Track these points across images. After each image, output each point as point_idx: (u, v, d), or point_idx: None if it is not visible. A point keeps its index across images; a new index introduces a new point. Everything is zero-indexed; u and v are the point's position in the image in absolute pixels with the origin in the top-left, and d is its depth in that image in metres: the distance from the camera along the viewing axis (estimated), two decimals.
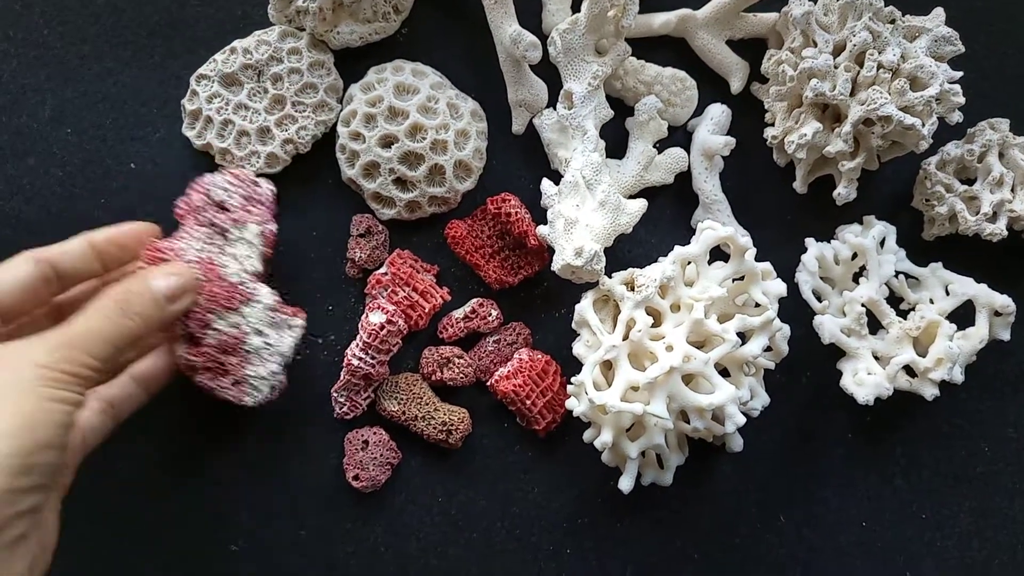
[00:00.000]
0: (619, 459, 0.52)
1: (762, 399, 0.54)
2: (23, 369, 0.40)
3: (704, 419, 0.50)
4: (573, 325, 0.54)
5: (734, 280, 0.53)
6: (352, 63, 0.58)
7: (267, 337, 0.51)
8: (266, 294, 0.52)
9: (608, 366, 0.52)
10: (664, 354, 0.49)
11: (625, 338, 0.51)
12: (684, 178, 0.59)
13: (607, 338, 0.51)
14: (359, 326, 0.54)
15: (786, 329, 0.54)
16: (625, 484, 0.51)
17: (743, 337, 0.51)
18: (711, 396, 0.48)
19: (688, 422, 0.51)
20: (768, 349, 0.53)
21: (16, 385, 0.39)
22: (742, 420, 0.49)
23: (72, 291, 0.50)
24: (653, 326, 0.51)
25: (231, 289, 0.50)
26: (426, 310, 0.56)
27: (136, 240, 0.51)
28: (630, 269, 0.53)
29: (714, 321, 0.50)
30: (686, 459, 0.55)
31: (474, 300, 0.57)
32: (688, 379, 0.50)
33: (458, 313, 0.57)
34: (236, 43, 0.57)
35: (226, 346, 0.50)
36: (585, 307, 0.53)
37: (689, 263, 0.53)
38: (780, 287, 0.52)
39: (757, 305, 0.52)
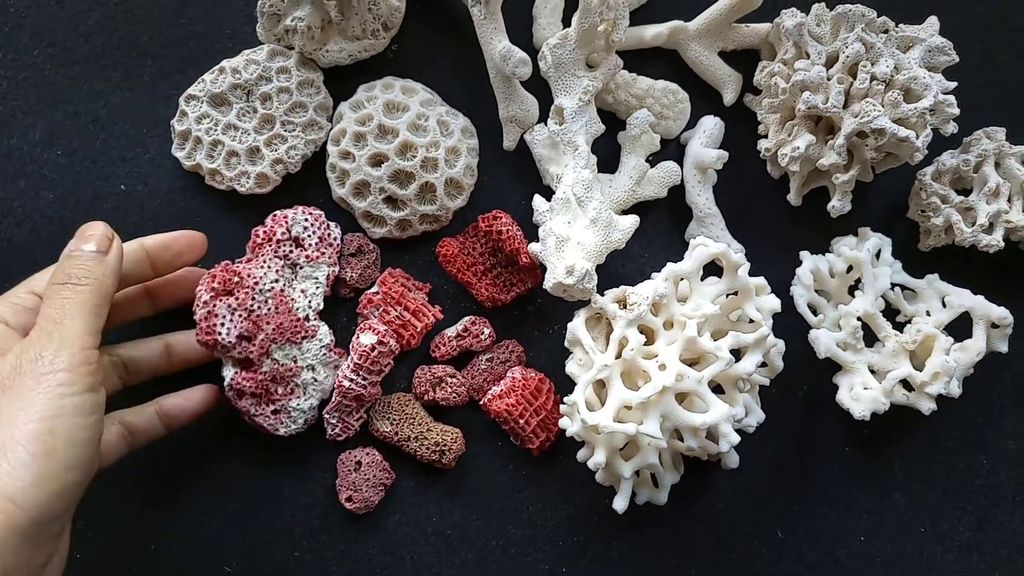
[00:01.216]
0: (613, 479, 0.52)
1: (757, 416, 0.53)
2: (40, 391, 0.40)
3: (698, 438, 0.49)
4: (566, 343, 0.54)
5: (728, 295, 0.52)
6: (341, 81, 0.57)
7: (317, 374, 0.53)
8: (325, 333, 0.54)
9: (601, 385, 0.52)
10: (657, 373, 0.48)
11: (618, 357, 0.50)
12: (677, 191, 0.59)
13: (600, 357, 0.50)
14: (350, 347, 0.54)
15: (781, 344, 0.54)
16: (619, 504, 0.50)
17: (737, 354, 0.51)
18: (705, 415, 0.48)
19: (682, 440, 0.50)
20: (763, 365, 0.53)
21: (40, 408, 0.40)
22: (736, 439, 0.48)
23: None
24: (646, 344, 0.50)
25: (299, 324, 0.52)
26: (418, 329, 0.55)
27: (187, 246, 0.52)
28: (622, 287, 0.53)
29: (707, 339, 0.49)
30: (681, 476, 0.54)
31: (466, 318, 0.57)
32: (682, 397, 0.50)
33: (450, 332, 0.57)
34: (225, 63, 0.57)
35: (278, 375, 0.52)
36: (578, 326, 0.52)
37: (682, 279, 0.52)
38: (774, 303, 0.51)
39: (751, 321, 0.52)
